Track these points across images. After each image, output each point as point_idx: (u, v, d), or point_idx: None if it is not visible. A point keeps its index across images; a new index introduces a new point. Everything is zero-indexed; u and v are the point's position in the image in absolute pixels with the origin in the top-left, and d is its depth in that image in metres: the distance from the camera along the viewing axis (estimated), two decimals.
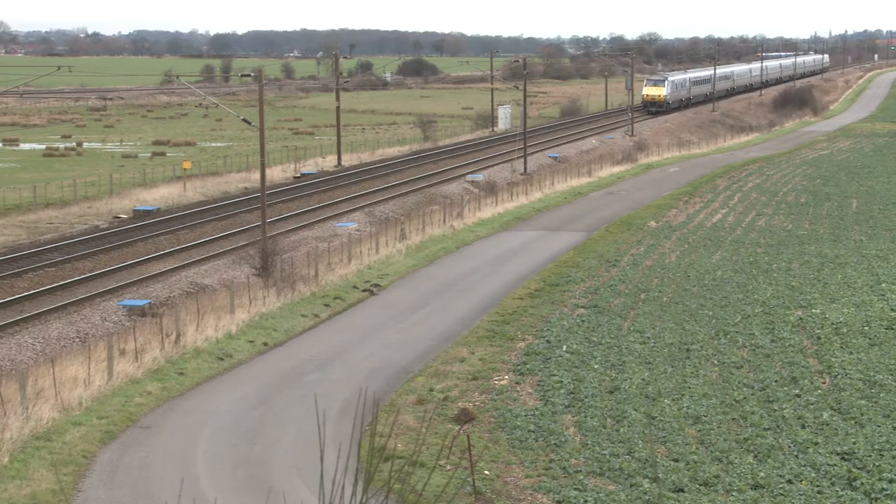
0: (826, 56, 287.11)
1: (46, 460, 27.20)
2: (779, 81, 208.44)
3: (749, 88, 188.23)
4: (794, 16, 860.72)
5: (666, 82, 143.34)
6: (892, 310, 43.53)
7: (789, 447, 28.39)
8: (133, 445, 28.86)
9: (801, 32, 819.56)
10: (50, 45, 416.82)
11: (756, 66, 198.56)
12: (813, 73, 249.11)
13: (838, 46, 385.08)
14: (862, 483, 26.11)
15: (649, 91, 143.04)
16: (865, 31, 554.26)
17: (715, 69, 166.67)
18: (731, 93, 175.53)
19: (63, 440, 28.61)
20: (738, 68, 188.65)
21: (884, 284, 48.21)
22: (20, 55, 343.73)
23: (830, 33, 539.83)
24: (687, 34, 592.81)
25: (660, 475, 26.30)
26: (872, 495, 25.57)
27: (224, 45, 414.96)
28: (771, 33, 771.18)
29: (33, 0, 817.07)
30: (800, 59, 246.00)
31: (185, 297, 45.06)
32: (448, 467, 27.04)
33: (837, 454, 27.97)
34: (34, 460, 27.19)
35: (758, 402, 31.98)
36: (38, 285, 47.29)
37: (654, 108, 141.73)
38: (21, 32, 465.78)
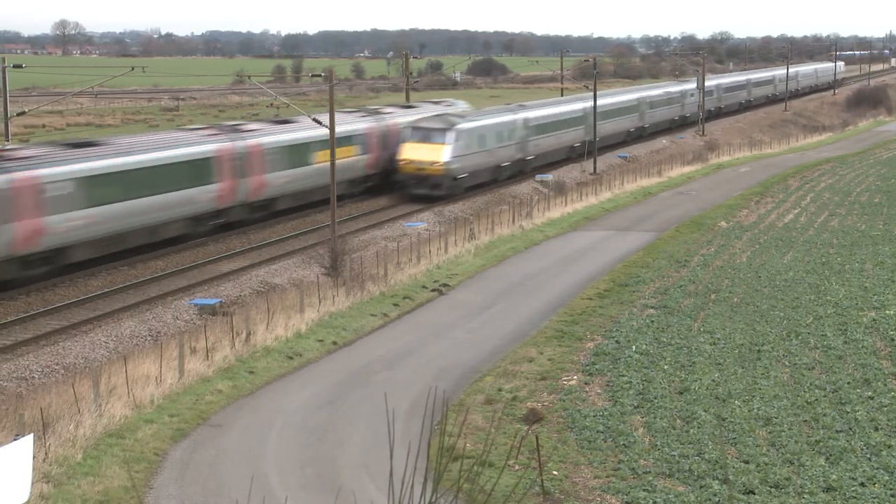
0: (842, 64, 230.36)
1: (119, 457, 27.50)
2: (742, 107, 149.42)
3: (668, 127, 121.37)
4: (869, 13, 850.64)
5: (450, 133, 71.85)
6: None
7: (862, 450, 28.07)
8: (204, 443, 29.10)
9: (877, 31, 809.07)
10: (124, 46, 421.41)
11: (681, 87, 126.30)
12: (815, 90, 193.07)
13: None
14: None
15: (413, 153, 71.40)
16: None
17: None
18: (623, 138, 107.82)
19: (135, 437, 28.91)
20: (650, 93, 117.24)
21: None
22: (95, 56, 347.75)
23: None
24: (759, 33, 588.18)
25: (730, 477, 26.11)
26: None
27: (295, 46, 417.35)
28: (845, 31, 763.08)
29: (108, 1, 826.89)
30: (798, 70, 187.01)
31: (255, 296, 45.38)
32: (516, 467, 27.02)
33: None
34: (107, 457, 27.50)
35: (830, 404, 31.66)
36: (112, 284, 47.85)
37: (425, 188, 71.11)
38: (96, 33, 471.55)
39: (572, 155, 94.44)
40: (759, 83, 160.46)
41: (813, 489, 25.55)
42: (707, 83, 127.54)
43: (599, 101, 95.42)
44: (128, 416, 30.11)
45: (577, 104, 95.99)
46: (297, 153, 63.91)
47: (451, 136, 71.77)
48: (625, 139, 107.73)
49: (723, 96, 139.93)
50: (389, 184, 72.28)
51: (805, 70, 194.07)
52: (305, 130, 64.29)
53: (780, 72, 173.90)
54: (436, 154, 71.09)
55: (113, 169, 50.40)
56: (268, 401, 32.74)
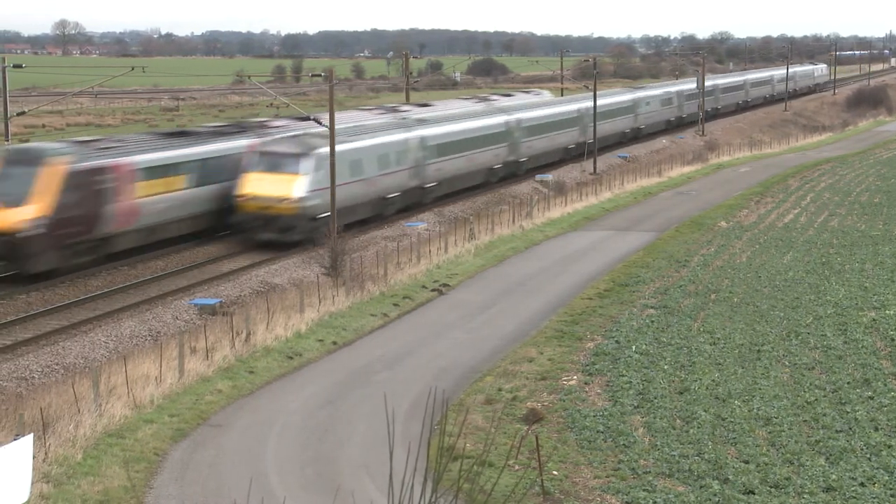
0: (823, 66, 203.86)
1: (119, 457, 27.49)
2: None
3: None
4: (869, 13, 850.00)
5: (306, 160, 56.36)
6: None
7: (862, 450, 28.07)
8: (204, 443, 29.10)
9: (877, 31, 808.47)
10: (124, 46, 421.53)
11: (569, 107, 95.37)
12: (793, 97, 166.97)
13: None
14: None
15: (257, 186, 55.88)
16: None
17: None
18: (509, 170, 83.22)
19: (135, 437, 28.92)
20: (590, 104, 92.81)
21: None
22: (95, 56, 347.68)
23: None
24: (759, 33, 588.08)
25: (729, 477, 26.12)
26: None
27: (295, 46, 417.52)
28: (845, 31, 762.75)
29: (108, 1, 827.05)
30: (773, 74, 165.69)
31: (255, 296, 45.39)
32: (516, 467, 27.02)
33: None
34: (107, 457, 27.50)
35: (830, 404, 31.65)
36: (112, 284, 47.87)
37: (272, 232, 55.32)
38: (96, 33, 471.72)
39: (492, 178, 79.62)
40: (726, 89, 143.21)
41: (813, 489, 25.55)
42: (648, 93, 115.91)
43: (526, 114, 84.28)
44: (128, 416, 30.11)
45: (499, 117, 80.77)
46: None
47: (307, 163, 55.88)
48: (562, 157, 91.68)
49: (683, 104, 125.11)
50: (226, 227, 56.64)
51: (781, 74, 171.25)
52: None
53: (751, 76, 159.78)
54: (286, 187, 55.33)
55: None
56: (268, 401, 32.74)
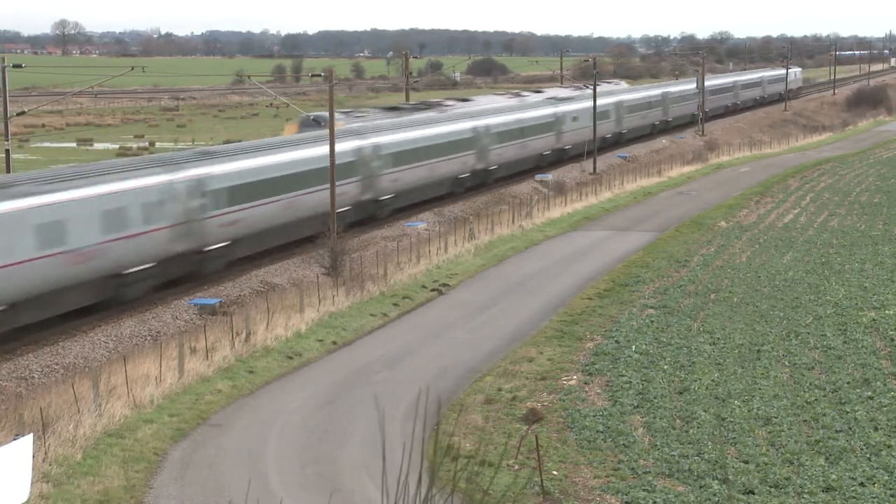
0: (796, 70, 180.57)
1: (118, 457, 27.50)
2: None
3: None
4: (870, 13, 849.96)
5: None
6: None
7: (861, 450, 28.06)
8: (203, 443, 29.11)
9: (877, 31, 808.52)
10: (124, 46, 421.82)
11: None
12: (761, 103, 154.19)
13: None
14: None
15: None
16: None
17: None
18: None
19: (135, 437, 28.92)
20: (497, 119, 79.64)
21: None
22: (94, 56, 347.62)
23: None
24: (759, 33, 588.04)
25: (729, 477, 26.11)
26: None
27: (295, 45, 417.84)
28: (845, 31, 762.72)
29: (108, 1, 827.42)
30: (738, 80, 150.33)
31: (255, 296, 45.37)
32: (516, 467, 27.02)
33: None
34: (106, 457, 27.51)
35: (829, 404, 31.65)
36: None
37: None
38: (95, 33, 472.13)
39: (326, 229, 50.17)
40: (678, 99, 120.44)
41: (813, 489, 25.55)
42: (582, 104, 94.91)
43: (386, 138, 62.94)
44: (127, 416, 30.11)
45: (350, 142, 58.60)
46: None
47: None
48: (451, 190, 73.41)
49: (622, 118, 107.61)
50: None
51: (747, 79, 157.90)
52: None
53: (709, 82, 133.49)
54: None
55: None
56: (268, 401, 32.74)
